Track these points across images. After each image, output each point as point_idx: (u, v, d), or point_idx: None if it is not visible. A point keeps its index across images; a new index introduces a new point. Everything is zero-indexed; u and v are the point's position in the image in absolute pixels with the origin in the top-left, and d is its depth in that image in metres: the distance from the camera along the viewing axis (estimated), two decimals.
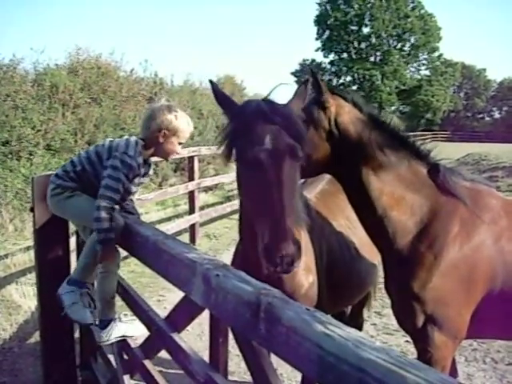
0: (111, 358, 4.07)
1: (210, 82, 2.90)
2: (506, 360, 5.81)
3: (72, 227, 4.45)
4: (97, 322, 3.49)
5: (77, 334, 4.93)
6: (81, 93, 16.17)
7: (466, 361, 5.79)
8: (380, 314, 6.86)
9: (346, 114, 3.15)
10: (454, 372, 3.85)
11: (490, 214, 3.22)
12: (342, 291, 3.86)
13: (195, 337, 6.14)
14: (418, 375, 1.16)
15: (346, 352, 1.31)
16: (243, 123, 2.63)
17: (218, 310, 2.03)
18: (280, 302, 1.63)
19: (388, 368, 1.20)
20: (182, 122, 3.48)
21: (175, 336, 2.72)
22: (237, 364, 5.28)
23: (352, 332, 1.40)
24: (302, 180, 3.80)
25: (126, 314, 3.60)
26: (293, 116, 2.65)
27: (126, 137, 3.53)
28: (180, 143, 3.53)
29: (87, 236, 3.58)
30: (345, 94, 3.27)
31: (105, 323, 3.45)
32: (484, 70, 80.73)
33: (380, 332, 6.62)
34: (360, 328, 5.29)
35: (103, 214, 3.16)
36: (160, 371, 5.06)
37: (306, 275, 3.39)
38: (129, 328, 3.52)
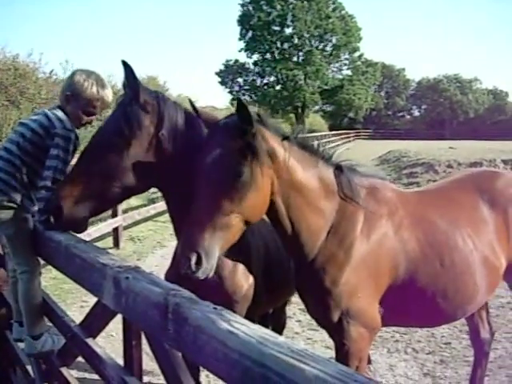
0: (29, 368, 3.95)
1: (123, 62, 2.88)
2: (426, 349, 6.04)
3: None
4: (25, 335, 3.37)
5: None
6: None
7: (389, 352, 5.97)
8: (305, 311, 6.91)
9: (272, 141, 2.92)
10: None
11: (387, 206, 3.40)
12: (278, 290, 3.89)
13: (120, 342, 6.01)
14: (316, 367, 1.19)
15: (249, 348, 1.32)
16: None
17: (129, 313, 2.01)
18: (187, 301, 1.63)
19: (289, 362, 1.23)
20: (85, 86, 3.17)
21: (90, 341, 2.67)
22: None
23: (256, 329, 1.41)
24: None
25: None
26: (129, 102, 2.95)
27: (45, 111, 3.24)
28: (88, 113, 3.25)
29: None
30: (264, 119, 2.98)
31: (37, 336, 3.32)
32: (403, 69, 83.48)
33: (305, 328, 6.72)
34: (283, 325, 5.34)
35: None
36: (83, 378, 4.97)
37: (245, 276, 3.41)
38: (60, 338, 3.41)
